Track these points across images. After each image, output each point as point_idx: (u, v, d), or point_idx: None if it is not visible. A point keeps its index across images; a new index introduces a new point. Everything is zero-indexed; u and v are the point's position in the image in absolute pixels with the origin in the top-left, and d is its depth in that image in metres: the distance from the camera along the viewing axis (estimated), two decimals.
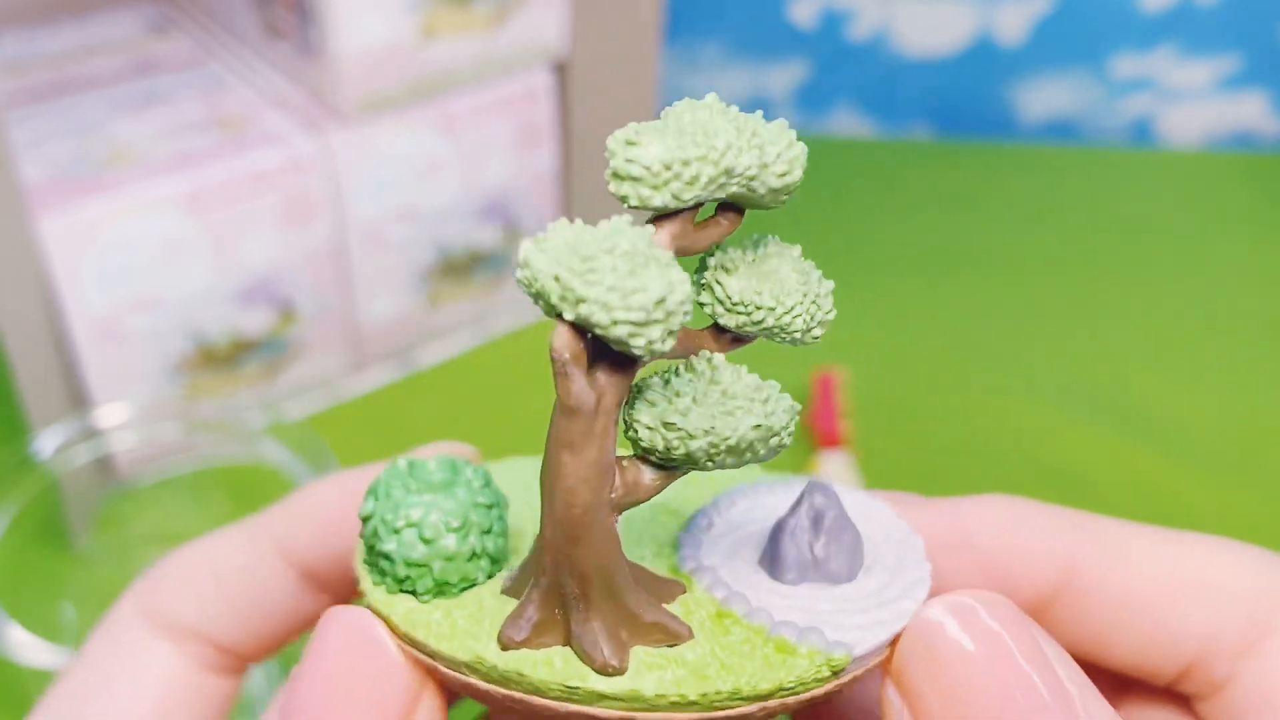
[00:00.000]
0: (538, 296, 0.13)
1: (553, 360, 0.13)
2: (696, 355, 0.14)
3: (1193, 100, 0.66)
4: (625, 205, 0.13)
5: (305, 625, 0.19)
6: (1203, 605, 0.16)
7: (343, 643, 0.14)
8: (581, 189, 0.50)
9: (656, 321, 0.12)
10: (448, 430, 0.47)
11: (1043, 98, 0.66)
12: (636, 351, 0.12)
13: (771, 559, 0.15)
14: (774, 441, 0.14)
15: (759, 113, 0.14)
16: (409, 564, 0.14)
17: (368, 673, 0.14)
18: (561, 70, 0.47)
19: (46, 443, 0.36)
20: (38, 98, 0.44)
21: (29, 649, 0.31)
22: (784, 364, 0.49)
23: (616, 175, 0.13)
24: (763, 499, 0.17)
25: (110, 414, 0.37)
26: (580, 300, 0.12)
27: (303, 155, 0.41)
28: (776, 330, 0.14)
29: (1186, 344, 0.52)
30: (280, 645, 0.19)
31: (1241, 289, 0.55)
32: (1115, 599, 0.16)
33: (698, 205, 0.13)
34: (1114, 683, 0.17)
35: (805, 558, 0.15)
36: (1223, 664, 0.15)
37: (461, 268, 0.48)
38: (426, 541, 0.15)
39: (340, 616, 0.14)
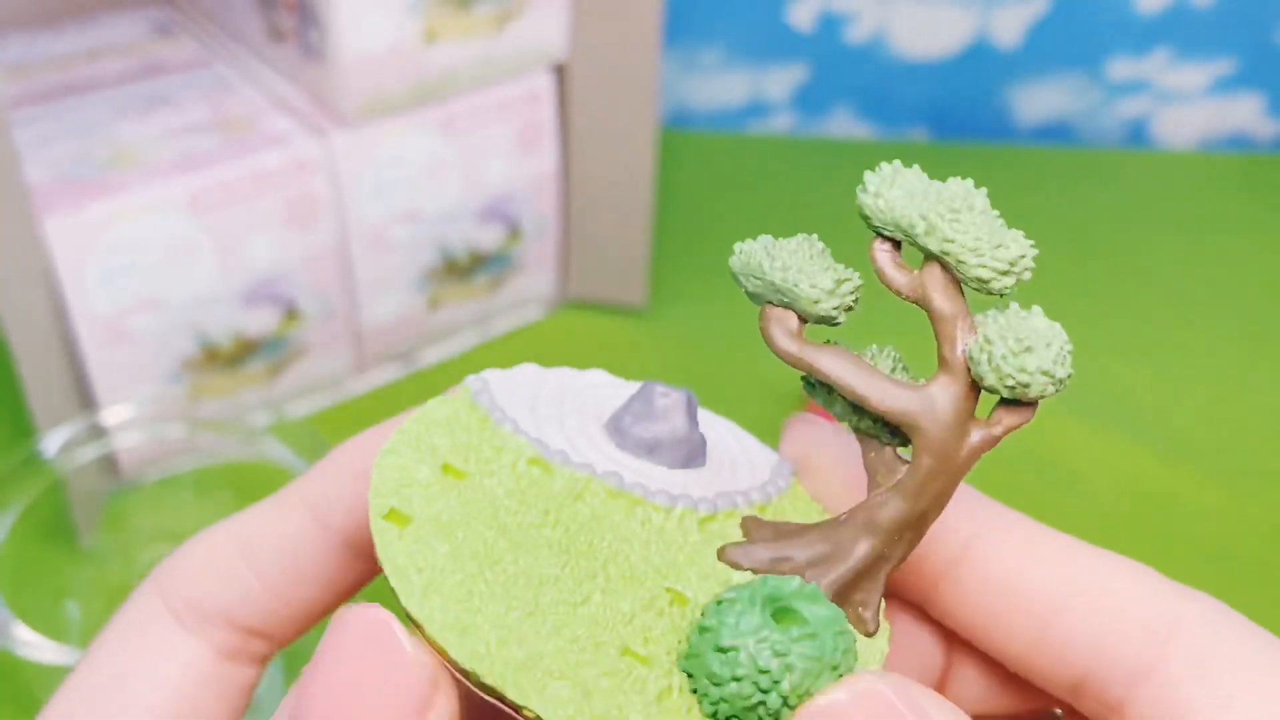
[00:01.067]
0: (894, 225, 0.16)
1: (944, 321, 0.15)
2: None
3: (1188, 102, 0.66)
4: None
5: (345, 595, 0.18)
6: (1096, 618, 0.16)
7: (355, 640, 0.13)
8: (582, 190, 0.50)
9: (1012, 273, 0.15)
10: None
11: (1039, 100, 0.67)
12: (992, 290, 0.15)
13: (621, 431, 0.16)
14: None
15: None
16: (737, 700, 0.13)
17: (379, 671, 0.13)
18: (562, 72, 0.47)
19: (52, 442, 0.37)
20: (42, 100, 0.44)
21: (34, 647, 0.31)
22: (784, 365, 0.50)
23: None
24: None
25: (115, 413, 0.38)
26: (948, 240, 0.15)
27: (306, 157, 0.42)
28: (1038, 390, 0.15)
29: (1184, 344, 0.52)
30: (316, 621, 0.18)
31: (1238, 289, 0.56)
32: (1008, 588, 0.16)
33: None
34: (1019, 688, 0.17)
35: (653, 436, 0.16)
36: (1116, 686, 0.15)
37: (463, 269, 0.49)
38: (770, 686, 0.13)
39: (351, 615, 0.14)
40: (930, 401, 0.15)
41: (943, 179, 0.16)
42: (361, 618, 0.13)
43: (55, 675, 0.33)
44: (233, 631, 0.17)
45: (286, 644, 0.18)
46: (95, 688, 0.17)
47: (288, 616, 0.17)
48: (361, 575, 0.18)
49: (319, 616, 0.18)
